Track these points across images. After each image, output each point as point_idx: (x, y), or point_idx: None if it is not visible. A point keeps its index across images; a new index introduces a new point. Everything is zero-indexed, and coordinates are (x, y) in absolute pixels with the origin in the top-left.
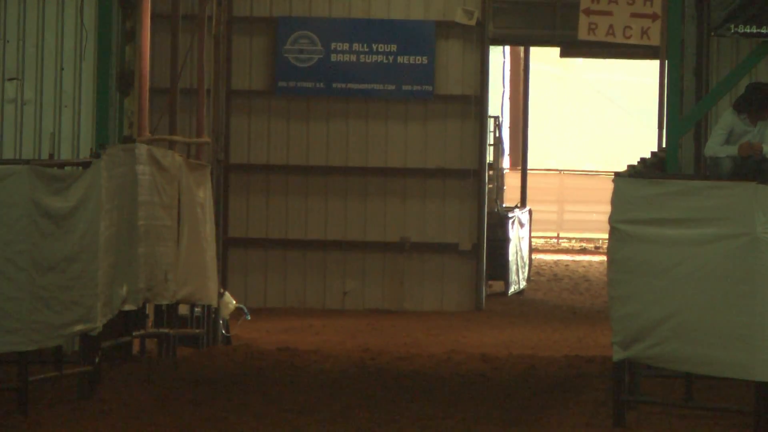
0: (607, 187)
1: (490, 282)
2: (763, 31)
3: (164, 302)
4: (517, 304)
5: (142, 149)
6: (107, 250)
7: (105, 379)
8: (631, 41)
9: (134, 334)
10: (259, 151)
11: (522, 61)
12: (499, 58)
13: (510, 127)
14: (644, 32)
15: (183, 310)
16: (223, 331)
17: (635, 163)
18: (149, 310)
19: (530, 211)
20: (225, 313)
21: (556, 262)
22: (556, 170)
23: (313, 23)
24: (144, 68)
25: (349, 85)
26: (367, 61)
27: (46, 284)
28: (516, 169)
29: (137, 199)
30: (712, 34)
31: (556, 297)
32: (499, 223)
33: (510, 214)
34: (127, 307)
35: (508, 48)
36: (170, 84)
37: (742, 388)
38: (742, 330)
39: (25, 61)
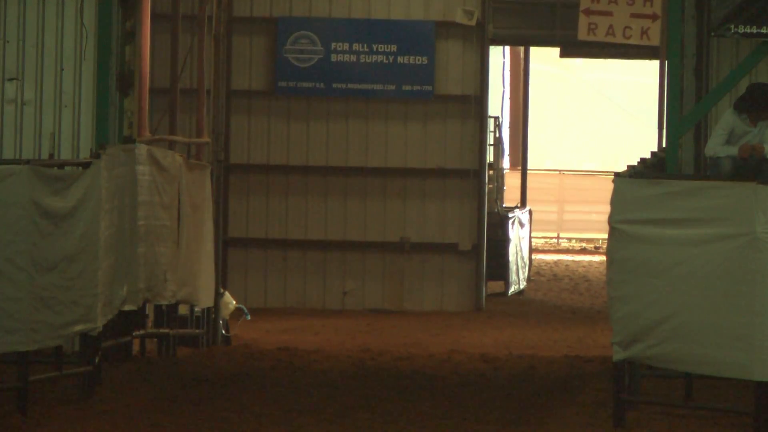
0: (607, 187)
1: (490, 282)
2: (763, 31)
3: (164, 302)
4: (517, 304)
5: (142, 149)
6: (107, 250)
7: (105, 379)
8: (631, 41)
9: (134, 334)
10: (259, 151)
11: (522, 61)
12: (498, 58)
13: (510, 127)
14: (644, 32)
15: (183, 310)
16: (223, 331)
17: (635, 164)
18: (149, 310)
19: (530, 211)
20: (225, 313)
21: (556, 262)
22: (556, 170)
23: (313, 23)
24: (144, 68)
25: (349, 86)
26: (367, 61)
27: (46, 284)
28: (516, 169)
29: (137, 199)
30: (712, 34)
31: (556, 297)
32: (499, 223)
33: (510, 214)
34: (127, 307)
35: (507, 48)
36: (170, 84)
37: (742, 388)
38: (741, 330)
39: (25, 61)
